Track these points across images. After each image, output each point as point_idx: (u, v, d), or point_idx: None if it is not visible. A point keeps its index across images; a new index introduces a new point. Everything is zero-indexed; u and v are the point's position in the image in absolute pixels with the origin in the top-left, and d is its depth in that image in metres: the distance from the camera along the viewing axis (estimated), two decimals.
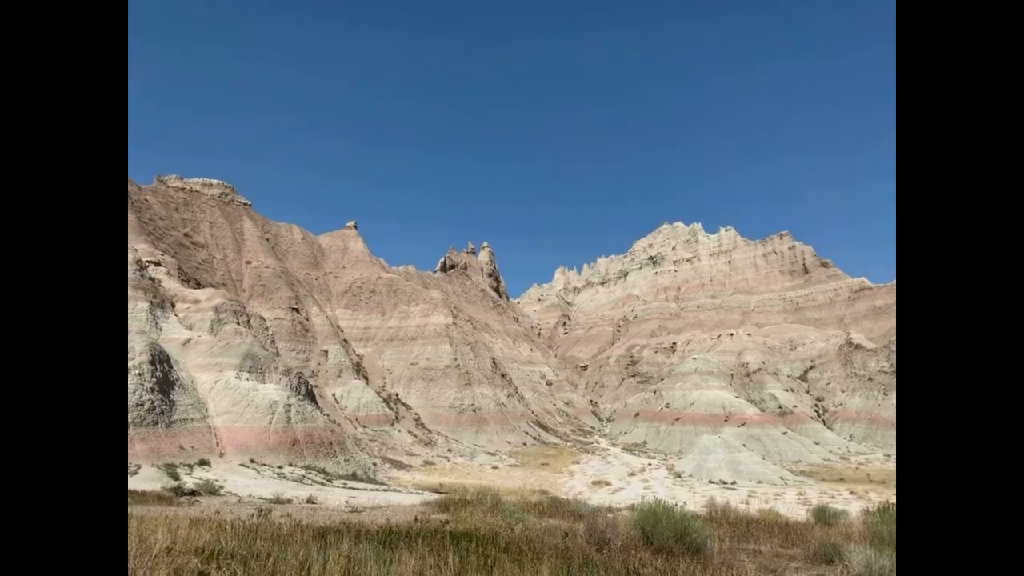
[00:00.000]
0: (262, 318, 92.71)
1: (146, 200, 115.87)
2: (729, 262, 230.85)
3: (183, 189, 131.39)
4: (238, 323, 76.52)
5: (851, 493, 60.40)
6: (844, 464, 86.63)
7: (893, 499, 42.42)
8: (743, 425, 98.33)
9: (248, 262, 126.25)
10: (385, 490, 39.43)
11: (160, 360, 51.86)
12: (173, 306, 76.01)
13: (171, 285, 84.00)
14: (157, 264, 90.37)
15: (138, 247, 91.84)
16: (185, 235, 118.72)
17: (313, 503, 23.22)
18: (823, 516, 15.70)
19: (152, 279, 77.68)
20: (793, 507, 44.94)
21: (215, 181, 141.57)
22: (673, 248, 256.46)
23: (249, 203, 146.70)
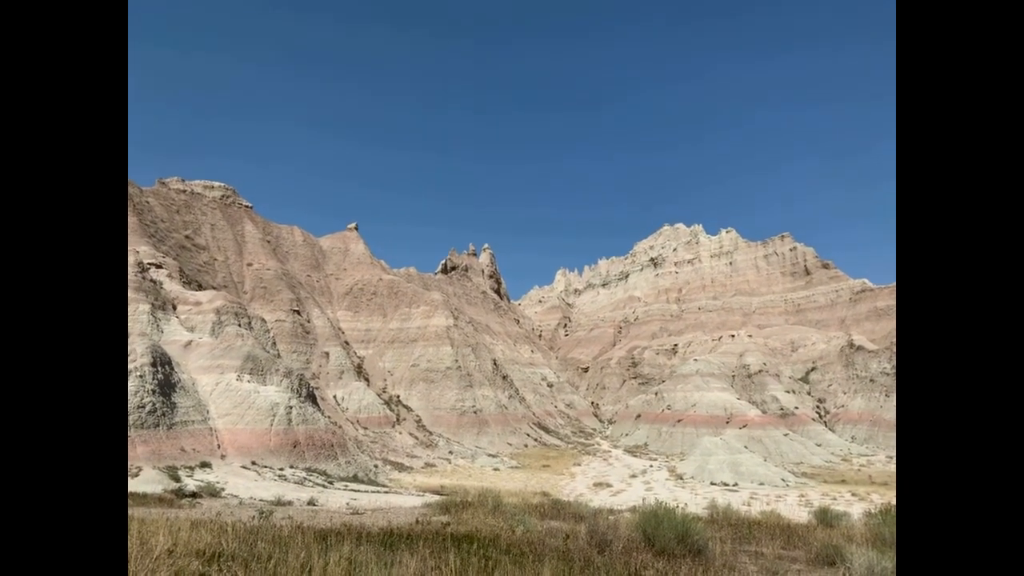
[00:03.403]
0: (263, 320, 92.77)
1: (147, 202, 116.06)
2: (730, 263, 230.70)
3: (184, 191, 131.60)
4: (239, 325, 76.57)
5: (853, 495, 60.29)
6: (846, 466, 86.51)
7: (895, 501, 42.21)
8: (744, 427, 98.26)
9: (249, 264, 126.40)
10: (386, 492, 39.41)
11: (161, 362, 51.90)
12: (174, 308, 76.09)
13: (172, 287, 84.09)
14: (158, 266, 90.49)
15: (139, 249, 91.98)
16: (186, 237, 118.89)
17: (314, 505, 23.21)
18: (825, 518, 15.67)
19: (153, 281, 77.79)
20: (795, 509, 44.85)
21: (216, 183, 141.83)
22: (674, 250, 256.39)
23: (250, 205, 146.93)
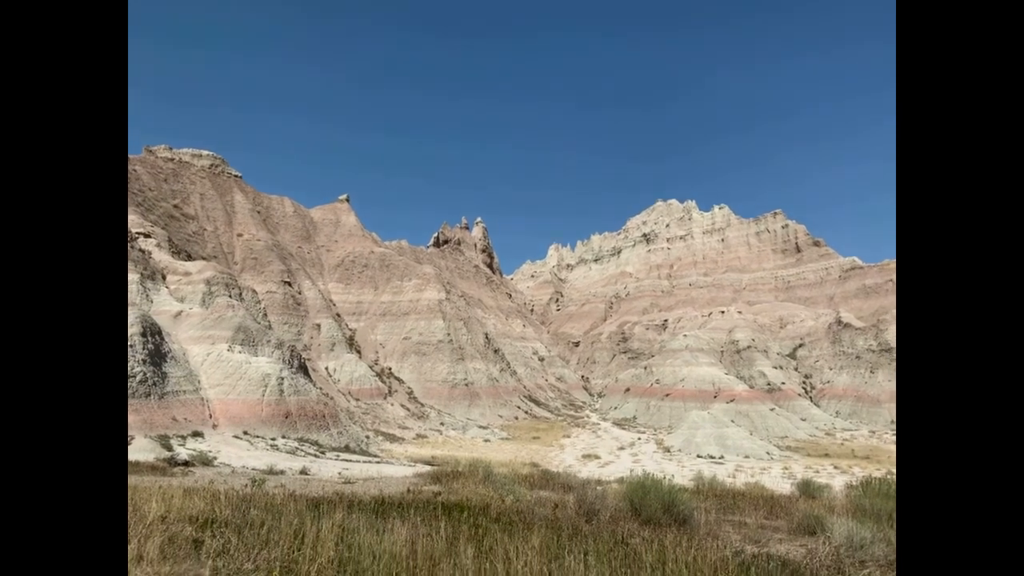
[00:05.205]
0: (254, 291, 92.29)
1: (135, 170, 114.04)
2: (722, 240, 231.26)
3: (172, 160, 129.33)
4: (230, 296, 76.17)
5: (835, 468, 61.69)
6: (829, 440, 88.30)
7: (876, 473, 43.24)
8: (732, 401, 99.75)
9: (239, 235, 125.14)
10: (378, 462, 39.85)
11: (152, 332, 51.66)
12: (164, 278, 75.46)
13: (161, 257, 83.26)
14: (147, 236, 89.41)
15: (128, 218, 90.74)
16: (175, 207, 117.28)
17: (306, 474, 23.45)
18: (807, 490, 16.01)
19: (142, 251, 76.93)
20: (778, 481, 45.85)
21: (205, 152, 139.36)
22: (667, 226, 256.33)
23: (240, 175, 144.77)
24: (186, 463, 24.99)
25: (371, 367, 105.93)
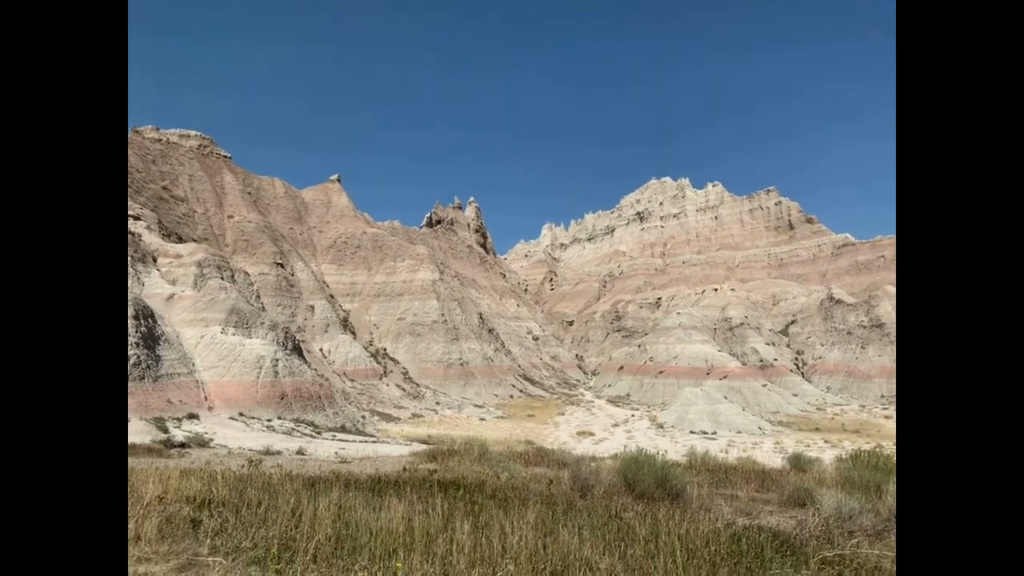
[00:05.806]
0: (246, 273, 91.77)
1: None
2: (715, 217, 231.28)
3: (160, 140, 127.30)
4: (222, 278, 75.71)
5: (825, 442, 62.71)
6: (820, 415, 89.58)
7: (865, 446, 44.01)
8: (725, 378, 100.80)
9: (230, 216, 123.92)
10: (374, 441, 40.14)
11: (144, 315, 51.41)
12: (155, 261, 74.86)
13: (152, 239, 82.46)
14: (136, 218, 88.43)
15: None
16: (164, 188, 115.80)
17: (303, 454, 23.59)
18: (798, 463, 16.24)
19: (132, 233, 76.10)
20: (770, 455, 46.58)
21: (193, 132, 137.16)
22: (660, 203, 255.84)
23: (229, 156, 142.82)
24: (182, 445, 25.08)
25: (366, 348, 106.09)
